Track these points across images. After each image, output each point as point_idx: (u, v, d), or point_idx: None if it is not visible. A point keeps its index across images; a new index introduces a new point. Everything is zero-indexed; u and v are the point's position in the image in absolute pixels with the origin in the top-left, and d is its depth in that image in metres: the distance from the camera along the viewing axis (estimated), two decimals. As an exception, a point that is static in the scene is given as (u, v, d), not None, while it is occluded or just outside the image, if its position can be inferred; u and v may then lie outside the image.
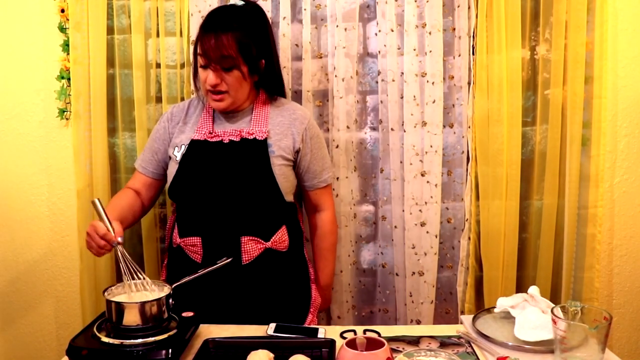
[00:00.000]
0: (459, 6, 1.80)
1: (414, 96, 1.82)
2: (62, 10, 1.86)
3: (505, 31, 1.76)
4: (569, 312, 1.16)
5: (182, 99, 1.85)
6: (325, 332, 1.33)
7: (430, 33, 1.79)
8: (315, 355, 1.21)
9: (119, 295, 1.27)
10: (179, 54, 1.85)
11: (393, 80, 1.82)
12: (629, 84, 1.86)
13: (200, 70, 1.49)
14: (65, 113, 1.92)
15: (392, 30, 1.80)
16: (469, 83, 1.82)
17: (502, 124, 1.80)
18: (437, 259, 1.88)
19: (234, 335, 1.33)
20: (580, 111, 1.78)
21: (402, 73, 1.82)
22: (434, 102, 1.82)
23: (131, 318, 1.19)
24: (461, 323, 1.41)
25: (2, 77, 1.93)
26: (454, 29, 1.83)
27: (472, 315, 1.42)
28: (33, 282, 2.04)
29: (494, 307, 1.40)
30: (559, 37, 1.77)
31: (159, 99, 1.88)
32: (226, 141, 1.51)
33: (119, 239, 1.33)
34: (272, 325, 1.34)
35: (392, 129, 1.84)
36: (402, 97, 1.83)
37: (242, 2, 1.55)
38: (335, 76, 1.82)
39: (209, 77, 1.46)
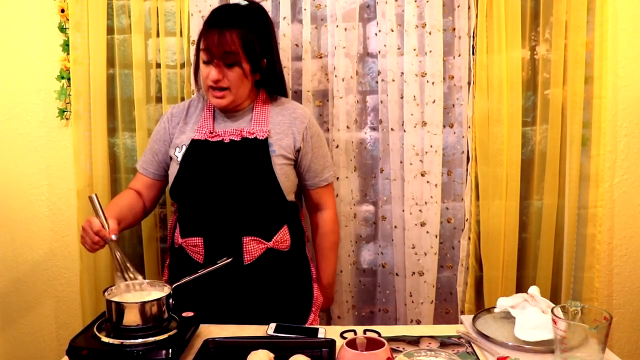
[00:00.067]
0: (459, 6, 1.80)
1: (414, 96, 1.82)
2: (62, 10, 1.86)
3: (505, 31, 1.76)
4: (569, 312, 1.16)
5: (182, 99, 1.85)
6: (325, 332, 1.33)
7: (430, 33, 1.79)
8: (315, 355, 1.21)
9: (119, 295, 1.27)
10: (179, 54, 1.85)
11: (393, 80, 1.82)
12: (629, 84, 1.86)
13: (202, 66, 1.48)
14: (65, 113, 1.92)
15: (392, 30, 1.80)
16: (469, 83, 1.82)
17: (502, 124, 1.80)
18: (437, 259, 1.88)
19: (234, 335, 1.33)
20: (580, 111, 1.78)
21: (402, 73, 1.82)
22: (434, 102, 1.82)
23: (131, 318, 1.19)
24: (461, 323, 1.41)
25: (2, 77, 1.93)
26: (454, 29, 1.83)
27: (472, 315, 1.42)
28: (33, 282, 2.04)
29: (494, 307, 1.40)
30: (559, 37, 1.77)
31: (159, 99, 1.88)
32: (227, 141, 1.51)
33: (113, 236, 1.33)
34: (272, 325, 1.34)
35: (392, 129, 1.84)
36: (402, 97, 1.83)
37: (246, 2, 1.55)
38: (335, 76, 1.83)
39: (211, 72, 1.46)
